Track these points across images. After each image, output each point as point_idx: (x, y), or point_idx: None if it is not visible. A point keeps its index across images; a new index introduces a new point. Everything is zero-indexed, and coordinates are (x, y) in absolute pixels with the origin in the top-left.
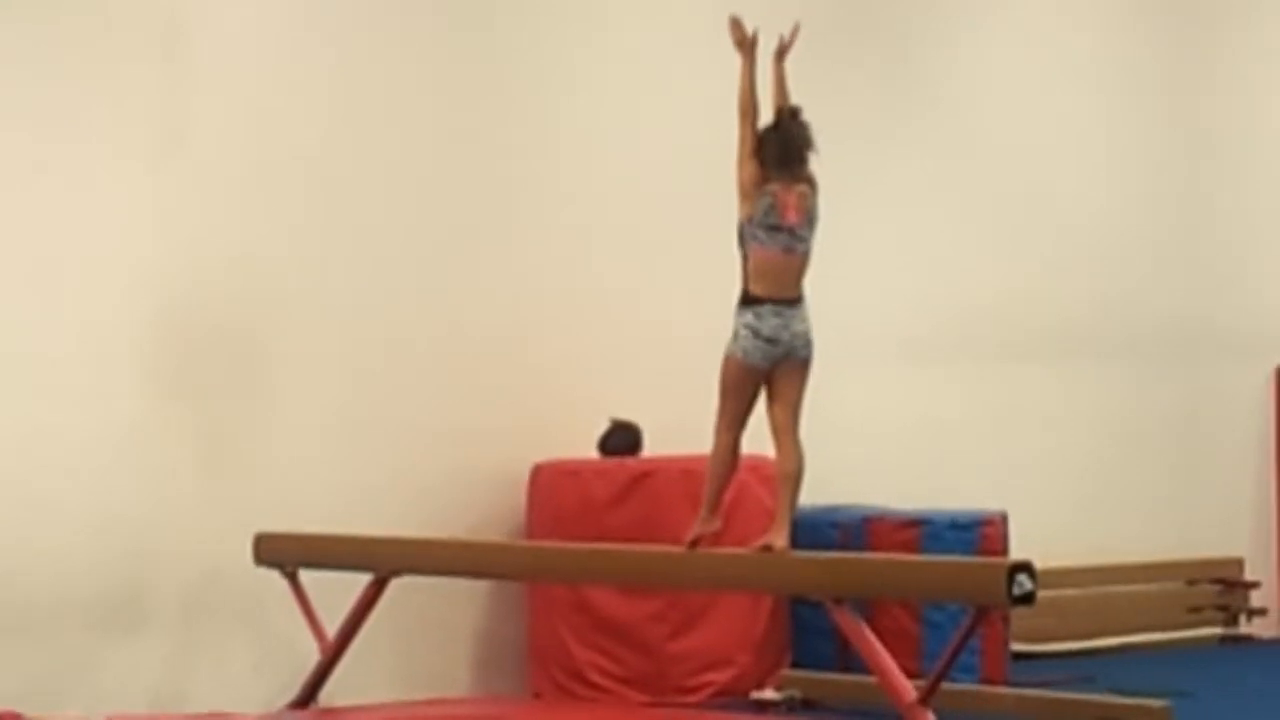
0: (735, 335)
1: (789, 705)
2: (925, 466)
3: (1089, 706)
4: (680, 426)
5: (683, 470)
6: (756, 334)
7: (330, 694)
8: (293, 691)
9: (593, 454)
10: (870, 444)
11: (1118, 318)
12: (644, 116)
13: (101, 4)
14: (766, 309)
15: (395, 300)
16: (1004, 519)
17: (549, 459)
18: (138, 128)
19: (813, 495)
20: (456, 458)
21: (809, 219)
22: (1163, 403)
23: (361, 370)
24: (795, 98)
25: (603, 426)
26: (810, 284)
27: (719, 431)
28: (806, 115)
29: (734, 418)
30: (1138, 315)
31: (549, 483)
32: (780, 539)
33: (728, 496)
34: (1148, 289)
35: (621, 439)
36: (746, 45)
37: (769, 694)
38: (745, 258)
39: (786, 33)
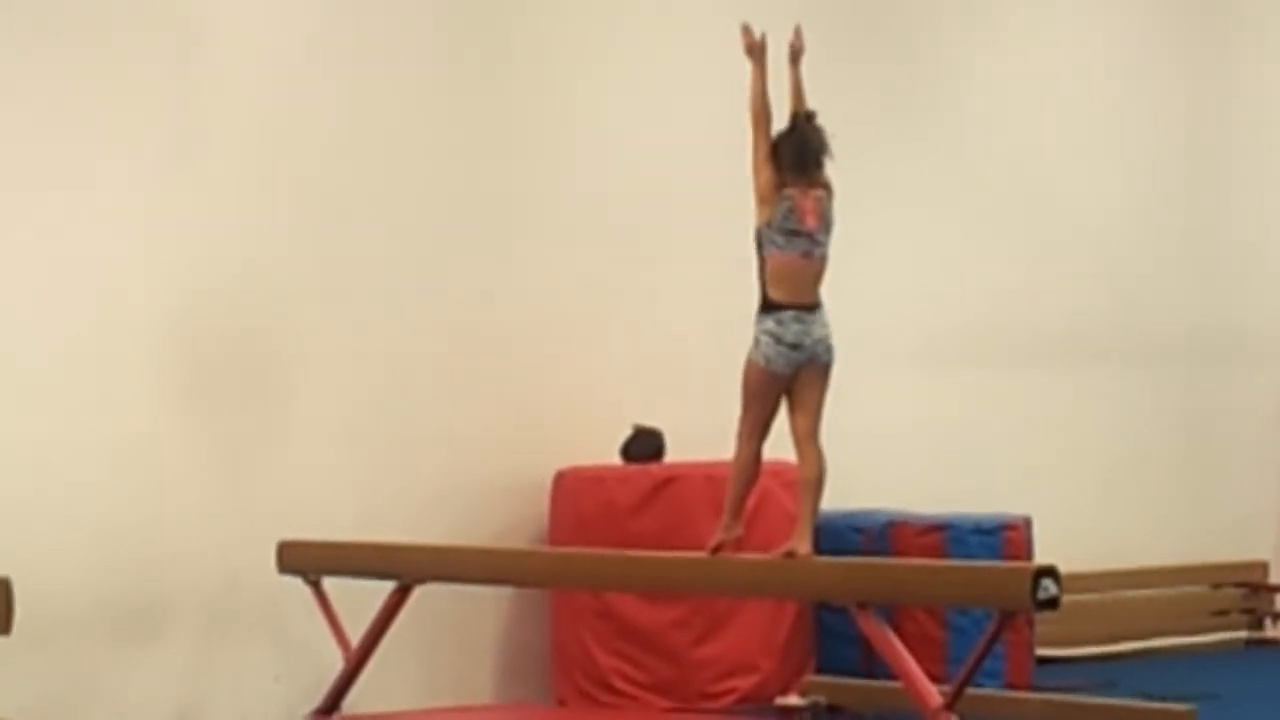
0: (757, 342)
1: (813, 711)
2: (947, 471)
3: (1114, 711)
4: (703, 432)
5: (706, 476)
6: (779, 340)
7: (354, 702)
8: (316, 700)
9: (615, 460)
10: (892, 449)
11: (1136, 322)
12: (663, 120)
13: (115, 15)
14: (788, 315)
15: (415, 306)
16: (1028, 523)
17: (571, 465)
18: (151, 137)
19: (835, 500)
20: (478, 464)
21: (825, 223)
22: (1184, 405)
23: (381, 377)
24: (807, 102)
25: (625, 432)
26: (829, 289)
27: (741, 439)
28: (821, 120)
29: (756, 424)
30: (1155, 319)
31: (572, 489)
32: (803, 544)
33: (750, 503)
34: (1164, 293)
35: (644, 445)
36: (756, 51)
37: (793, 700)
38: (763, 263)
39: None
